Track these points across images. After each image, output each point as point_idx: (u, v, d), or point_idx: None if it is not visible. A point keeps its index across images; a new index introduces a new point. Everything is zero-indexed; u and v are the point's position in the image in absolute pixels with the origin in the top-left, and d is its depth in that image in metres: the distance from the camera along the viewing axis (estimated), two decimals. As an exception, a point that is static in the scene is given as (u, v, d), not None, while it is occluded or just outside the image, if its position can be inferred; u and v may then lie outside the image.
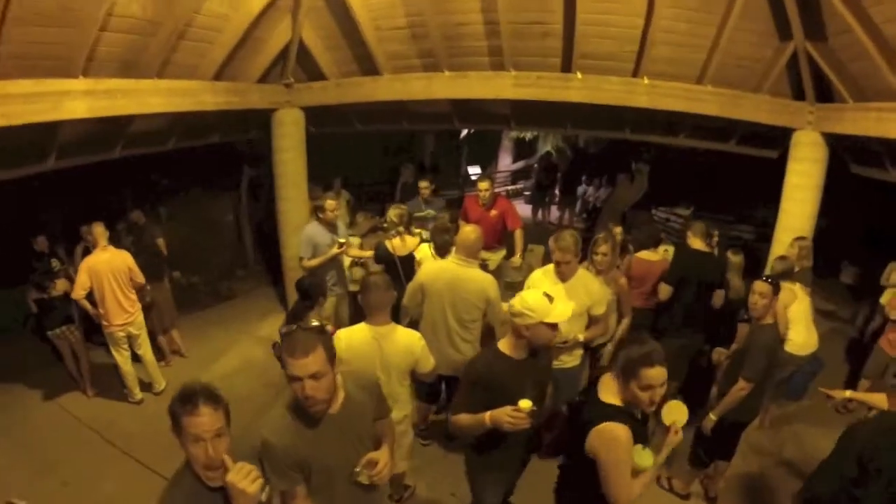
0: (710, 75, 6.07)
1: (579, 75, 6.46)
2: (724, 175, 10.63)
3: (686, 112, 6.31)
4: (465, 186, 16.61)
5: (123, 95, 5.56)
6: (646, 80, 6.29)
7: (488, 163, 18.65)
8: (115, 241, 6.74)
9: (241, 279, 10.66)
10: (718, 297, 5.88)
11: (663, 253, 6.44)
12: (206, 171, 10.41)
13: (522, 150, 18.73)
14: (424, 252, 5.90)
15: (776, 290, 4.38)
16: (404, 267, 5.92)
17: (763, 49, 5.84)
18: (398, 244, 6.05)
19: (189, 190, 10.68)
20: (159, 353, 7.07)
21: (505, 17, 6.08)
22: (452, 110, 8.00)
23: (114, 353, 6.20)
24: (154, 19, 5.35)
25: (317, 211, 6.29)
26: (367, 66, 7.29)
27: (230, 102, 7.02)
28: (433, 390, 5.35)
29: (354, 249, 6.90)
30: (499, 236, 7.66)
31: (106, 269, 5.94)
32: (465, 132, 17.07)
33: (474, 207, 7.47)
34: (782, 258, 5.63)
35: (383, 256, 6.02)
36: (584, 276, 4.64)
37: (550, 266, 4.69)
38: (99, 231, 6.09)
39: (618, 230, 6.54)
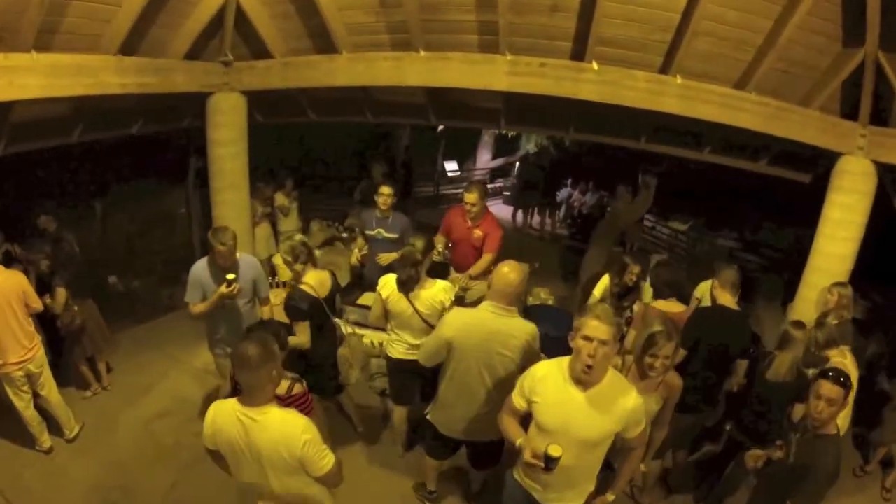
0: (756, 81, 4.82)
1: (595, 66, 4.95)
2: (724, 184, 9.30)
3: (718, 122, 5.02)
4: (440, 184, 15.04)
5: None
6: (679, 80, 4.90)
7: (465, 158, 17.13)
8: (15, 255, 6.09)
9: (184, 285, 8.84)
10: (741, 370, 4.70)
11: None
12: (155, 157, 8.85)
13: (503, 146, 17.10)
14: (390, 287, 4.47)
15: (848, 391, 3.19)
16: (329, 306, 4.71)
17: (821, 56, 4.78)
18: (315, 283, 4.60)
19: (134, 180, 9.19)
20: (79, 381, 5.99)
21: (502, -17, 4.54)
22: (428, 102, 6.38)
23: (11, 396, 4.92)
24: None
25: (211, 249, 4.49)
26: (323, 41, 5.67)
27: (145, 85, 5.37)
28: (446, 447, 4.25)
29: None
30: (477, 256, 5.99)
31: (-5, 296, 4.69)
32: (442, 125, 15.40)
33: (459, 223, 5.90)
34: (821, 324, 4.42)
35: (299, 309, 4.45)
36: (617, 384, 3.01)
37: (566, 359, 3.06)
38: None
39: (635, 270, 5.26)
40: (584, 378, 2.82)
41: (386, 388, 5.30)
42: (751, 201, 10.56)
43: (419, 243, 4.60)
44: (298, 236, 4.75)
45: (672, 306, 4.65)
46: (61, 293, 5.41)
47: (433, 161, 15.83)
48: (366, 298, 5.81)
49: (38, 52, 4.45)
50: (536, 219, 13.56)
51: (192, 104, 6.37)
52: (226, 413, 2.81)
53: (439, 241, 5.76)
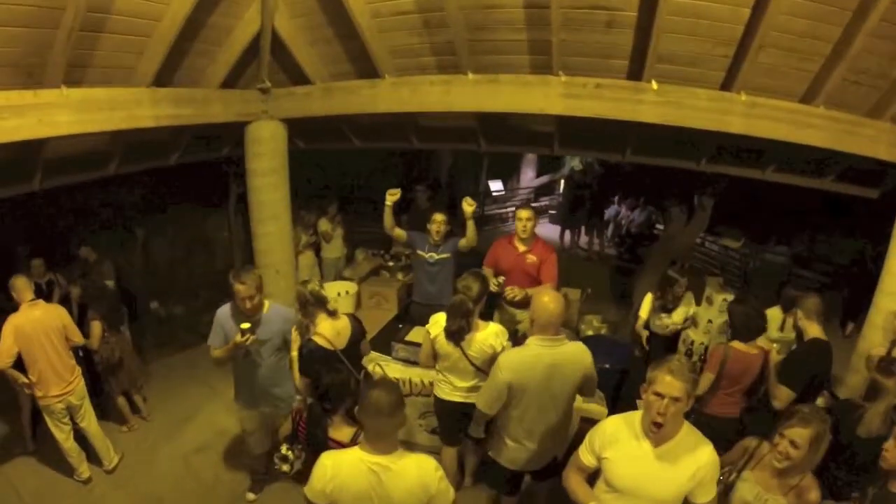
0: (825, 93, 4.23)
1: (655, 85, 4.45)
2: (773, 195, 8.60)
3: (784, 140, 4.46)
4: (485, 204, 14.55)
5: (14, 114, 3.93)
6: (743, 97, 4.37)
7: (509, 177, 16.59)
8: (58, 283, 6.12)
9: (228, 311, 8.62)
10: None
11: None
12: (197, 181, 8.67)
13: (546, 163, 16.50)
14: (440, 326, 4.10)
15: None
16: (350, 356, 4.23)
17: (892, 63, 4.09)
18: (330, 333, 4.15)
19: (176, 204, 9.12)
20: (120, 416, 5.83)
21: (555, -1, 4.09)
22: (478, 126, 5.94)
23: (51, 427, 4.88)
24: (54, 3, 3.62)
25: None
26: (364, 65, 5.26)
27: (180, 116, 5.11)
28: (518, 480, 4.07)
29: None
30: (536, 285, 5.44)
31: (37, 330, 4.67)
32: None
33: (508, 251, 5.38)
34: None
35: (315, 360, 3.98)
36: (690, 438, 2.73)
37: (636, 414, 2.80)
38: (20, 284, 4.78)
39: (683, 283, 5.37)
40: (653, 435, 2.66)
41: (435, 426, 4.91)
42: (803, 212, 9.83)
43: (475, 287, 4.06)
44: (312, 285, 4.22)
45: (749, 347, 4.15)
46: (97, 326, 5.30)
47: (476, 181, 15.37)
48: (415, 335, 5.36)
49: (68, 87, 4.20)
50: (584, 238, 12.97)
51: (231, 133, 6.12)
52: (352, 465, 2.66)
53: (488, 274, 5.19)
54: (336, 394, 3.61)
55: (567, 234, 12.82)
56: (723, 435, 4.00)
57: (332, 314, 4.22)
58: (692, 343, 5.91)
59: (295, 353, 4.18)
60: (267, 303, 4.14)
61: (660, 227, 12.17)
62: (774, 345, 4.49)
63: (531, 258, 5.26)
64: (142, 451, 5.49)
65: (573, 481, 2.95)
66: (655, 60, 4.31)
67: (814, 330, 4.16)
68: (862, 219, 8.31)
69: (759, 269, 10.21)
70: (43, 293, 6.16)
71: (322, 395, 3.67)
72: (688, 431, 2.72)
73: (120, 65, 4.54)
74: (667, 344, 5.76)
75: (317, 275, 7.93)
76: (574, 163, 14.58)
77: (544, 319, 3.45)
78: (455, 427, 4.44)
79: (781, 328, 5.39)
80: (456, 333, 3.98)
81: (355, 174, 11.84)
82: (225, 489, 5.03)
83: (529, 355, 3.51)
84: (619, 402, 5.02)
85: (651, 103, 4.49)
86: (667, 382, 2.55)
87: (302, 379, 4.00)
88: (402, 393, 2.77)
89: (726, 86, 4.42)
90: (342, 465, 2.66)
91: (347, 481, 2.63)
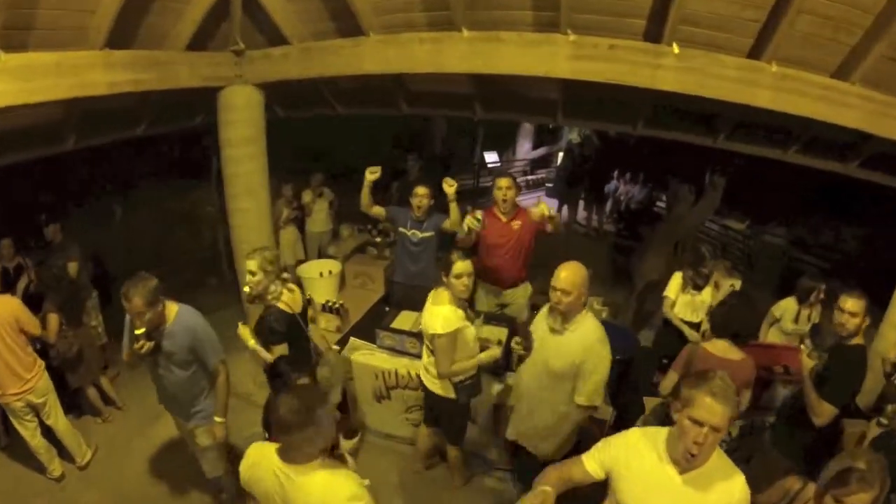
0: (861, 71, 3.70)
1: (676, 49, 3.85)
2: (779, 176, 8.12)
3: (814, 118, 3.89)
4: (479, 176, 13.86)
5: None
6: (774, 67, 3.79)
7: (505, 149, 15.91)
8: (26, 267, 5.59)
9: (211, 291, 8.09)
10: None
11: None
12: (177, 153, 8.06)
13: (544, 135, 15.82)
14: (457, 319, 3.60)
15: None
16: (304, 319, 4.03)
17: None
18: (289, 299, 3.81)
19: (156, 178, 8.70)
20: (93, 408, 5.36)
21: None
22: (474, 91, 5.32)
23: (16, 425, 4.48)
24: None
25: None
26: (347, 23, 4.64)
27: (139, 82, 4.46)
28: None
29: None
30: (524, 260, 5.02)
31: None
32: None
33: (492, 224, 4.84)
34: None
35: (277, 331, 3.67)
36: (721, 467, 2.29)
37: (662, 431, 2.39)
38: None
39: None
40: (684, 463, 2.21)
41: (421, 421, 4.50)
42: (811, 195, 9.25)
43: (461, 264, 3.50)
44: (268, 252, 3.74)
45: (730, 351, 3.53)
46: (52, 319, 4.71)
47: (472, 152, 14.71)
48: (402, 321, 4.88)
49: (6, 53, 3.59)
50: (581, 214, 12.38)
51: (204, 100, 5.44)
52: (264, 462, 2.43)
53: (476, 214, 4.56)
54: (303, 359, 3.53)
55: (565, 208, 12.20)
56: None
57: (285, 282, 3.85)
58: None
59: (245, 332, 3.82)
60: (174, 311, 3.46)
61: (660, 204, 11.70)
62: (804, 346, 3.91)
63: (517, 224, 4.81)
64: (116, 444, 5.06)
65: (551, 474, 2.46)
66: (678, 21, 3.74)
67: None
68: (872, 205, 7.91)
69: (759, 251, 9.75)
70: (9, 278, 5.63)
71: (291, 360, 3.53)
72: (718, 456, 2.27)
73: (69, 25, 3.92)
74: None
75: (299, 252, 7.37)
76: (572, 135, 13.92)
77: None
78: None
79: (796, 320, 4.96)
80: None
81: (346, 144, 11.20)
82: (196, 489, 4.56)
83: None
84: (621, 396, 4.51)
85: (671, 69, 3.91)
86: (707, 406, 2.07)
87: (272, 349, 3.67)
88: (319, 402, 2.35)
89: (754, 54, 3.86)
90: (261, 459, 2.47)
91: (258, 476, 2.45)
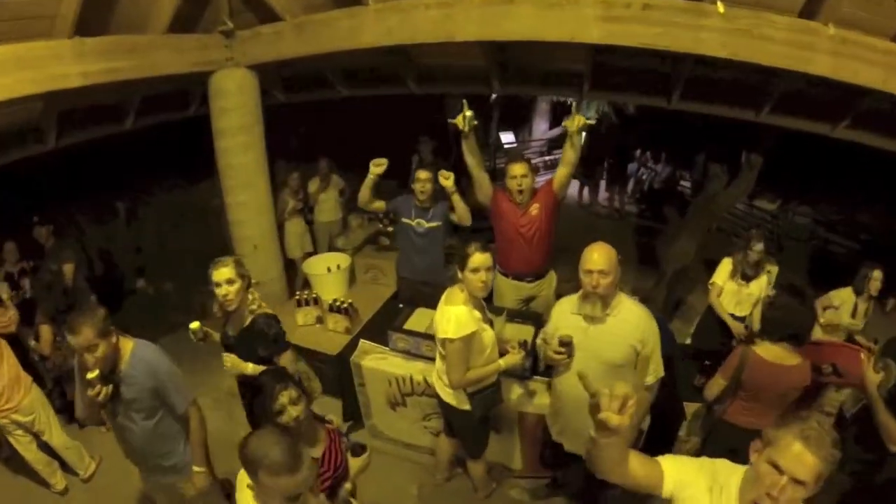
0: None
1: (721, 7, 3.29)
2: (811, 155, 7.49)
3: (869, 87, 3.34)
4: (496, 157, 13.29)
5: None
6: (831, 29, 3.23)
7: (521, 129, 15.27)
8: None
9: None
10: None
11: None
12: (182, 145, 7.66)
13: (560, 114, 15.12)
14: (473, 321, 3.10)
15: None
16: None
17: None
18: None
19: (161, 172, 8.24)
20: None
21: None
22: (490, 63, 4.75)
23: (9, 439, 4.21)
24: None
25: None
26: (344, -8, 4.10)
27: (117, 71, 4.01)
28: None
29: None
30: (547, 247, 4.42)
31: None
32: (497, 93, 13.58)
33: (506, 210, 4.31)
34: None
35: (283, 332, 3.27)
36: None
37: (737, 471, 1.95)
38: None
39: (757, 247, 4.31)
40: None
41: (440, 428, 4.05)
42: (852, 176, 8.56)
43: (479, 257, 2.97)
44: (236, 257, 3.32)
45: (785, 356, 3.02)
46: (45, 331, 4.49)
47: (486, 132, 14.13)
48: (417, 321, 4.42)
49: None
50: (603, 194, 11.78)
51: (198, 87, 4.98)
52: None
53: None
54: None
55: (586, 189, 11.60)
56: (743, 447, 3.18)
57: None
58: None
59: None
60: (129, 348, 2.88)
61: (684, 183, 11.12)
62: (863, 355, 3.26)
63: (535, 208, 4.20)
64: (121, 454, 4.59)
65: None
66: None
67: None
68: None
69: (787, 232, 9.13)
70: (14, 283, 5.31)
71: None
72: None
73: (32, 14, 3.46)
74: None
75: (307, 244, 6.91)
76: (590, 112, 13.26)
77: None
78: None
79: (853, 314, 4.45)
80: None
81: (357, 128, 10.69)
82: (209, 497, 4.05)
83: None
84: (657, 400, 3.99)
85: (715, 31, 3.35)
86: (794, 453, 1.66)
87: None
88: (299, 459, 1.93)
89: (808, 14, 3.29)
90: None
91: None
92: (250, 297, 3.19)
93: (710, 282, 4.62)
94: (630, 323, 2.88)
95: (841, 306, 4.46)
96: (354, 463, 2.83)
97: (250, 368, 3.15)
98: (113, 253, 7.17)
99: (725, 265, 4.55)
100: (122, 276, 7.03)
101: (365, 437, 4.48)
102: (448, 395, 3.37)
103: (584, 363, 2.92)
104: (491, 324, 3.28)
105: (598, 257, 2.80)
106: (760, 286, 4.49)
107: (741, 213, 10.07)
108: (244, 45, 4.66)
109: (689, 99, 4.54)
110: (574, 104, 3.82)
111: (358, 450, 2.88)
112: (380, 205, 4.65)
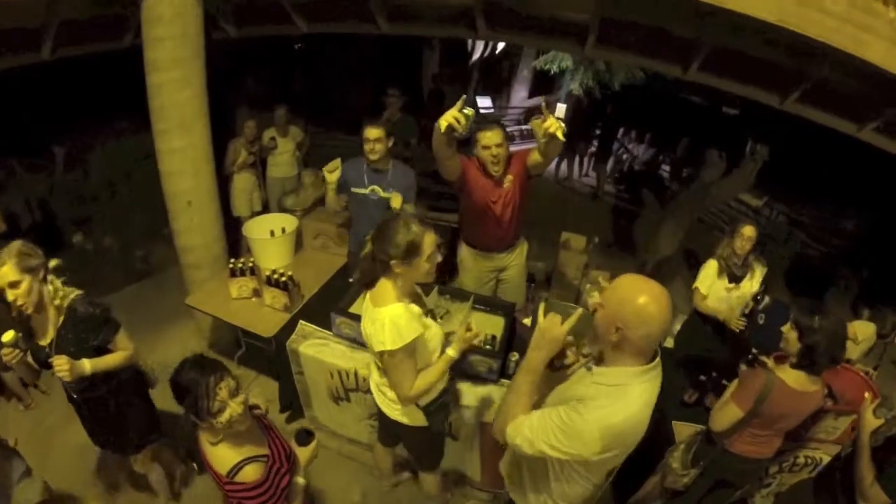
0: None
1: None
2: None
3: None
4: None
5: None
6: (892, 12, 2.72)
7: (498, 94, 14.56)
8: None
9: (165, 241, 6.84)
10: None
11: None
12: (132, 83, 6.73)
13: (541, 83, 14.38)
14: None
15: None
16: None
17: None
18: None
19: (109, 115, 7.31)
20: (12, 393, 4.50)
21: None
22: (475, 2, 3.99)
23: None
24: None
25: None
26: None
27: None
28: None
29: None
30: (519, 217, 3.87)
31: None
32: (478, 53, 12.69)
33: (481, 184, 3.68)
34: None
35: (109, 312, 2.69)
36: None
37: None
38: None
39: (748, 233, 3.67)
40: None
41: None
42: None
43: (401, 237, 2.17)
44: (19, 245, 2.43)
45: (807, 383, 2.58)
46: None
47: (464, 95, 13.35)
48: (360, 307, 3.73)
49: None
50: (581, 172, 11.20)
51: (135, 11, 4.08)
52: None
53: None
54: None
55: (563, 163, 10.92)
56: (750, 476, 3.04)
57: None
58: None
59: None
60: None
61: (665, 168, 10.68)
62: (868, 395, 2.77)
63: (508, 180, 3.65)
64: (37, 437, 4.21)
65: None
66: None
67: None
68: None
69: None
70: None
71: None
72: None
73: None
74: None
75: (256, 202, 6.12)
76: (573, 85, 12.51)
77: (640, 335, 1.69)
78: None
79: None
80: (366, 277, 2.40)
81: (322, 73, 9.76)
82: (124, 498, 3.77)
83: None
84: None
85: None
86: None
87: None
88: None
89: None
90: None
91: None
92: (50, 287, 2.46)
93: (693, 286, 3.99)
94: None
95: (862, 342, 3.90)
96: (303, 453, 2.32)
97: (89, 367, 2.49)
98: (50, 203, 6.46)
99: (710, 268, 3.89)
100: (59, 228, 6.34)
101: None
102: (397, 413, 2.69)
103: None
104: (432, 314, 2.55)
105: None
106: (752, 287, 3.89)
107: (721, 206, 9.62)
108: (184, -41, 3.79)
109: (709, 70, 3.83)
110: (544, 104, 3.08)
111: (304, 437, 2.34)
112: (342, 199, 4.04)
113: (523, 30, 4.34)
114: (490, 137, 3.47)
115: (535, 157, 3.45)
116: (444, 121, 2.90)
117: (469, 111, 2.94)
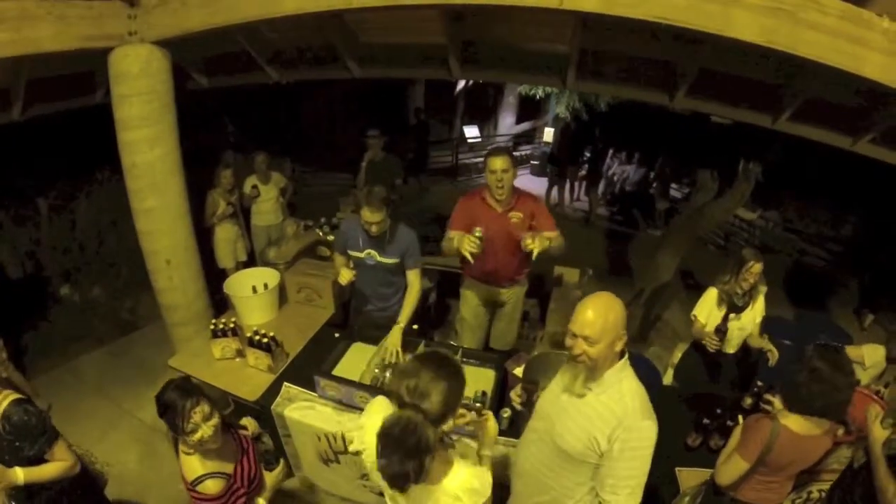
0: None
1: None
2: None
3: None
4: (459, 152, 12.43)
5: None
6: (885, 23, 2.53)
7: (486, 122, 14.44)
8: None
9: (153, 292, 6.62)
10: None
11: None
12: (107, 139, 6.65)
13: (528, 109, 14.31)
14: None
15: None
16: None
17: None
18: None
19: (94, 165, 7.07)
20: None
21: None
22: (449, 41, 3.85)
23: None
24: None
25: None
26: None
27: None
28: None
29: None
30: (524, 259, 3.75)
31: None
32: (462, 83, 12.65)
33: (484, 214, 3.67)
34: None
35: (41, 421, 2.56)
36: None
37: None
38: None
39: (755, 268, 3.47)
40: None
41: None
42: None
43: (435, 391, 1.73)
44: None
45: (813, 427, 2.40)
46: None
47: (450, 126, 13.23)
48: (351, 359, 3.63)
49: None
50: (568, 196, 11.05)
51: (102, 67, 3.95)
52: None
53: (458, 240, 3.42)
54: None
55: (555, 190, 10.77)
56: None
57: None
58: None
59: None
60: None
61: (655, 186, 10.53)
62: (873, 408, 2.64)
63: (516, 216, 3.64)
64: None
65: None
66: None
67: None
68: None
69: (761, 242, 8.60)
70: None
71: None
72: None
73: None
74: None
75: (241, 253, 5.92)
76: (559, 108, 12.43)
77: None
78: None
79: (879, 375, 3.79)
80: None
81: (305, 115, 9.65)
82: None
83: None
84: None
85: (749, 9, 2.54)
86: None
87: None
88: None
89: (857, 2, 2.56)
90: None
91: None
92: None
93: (692, 314, 3.79)
94: (608, 409, 2.02)
95: (870, 368, 3.69)
96: (269, 477, 2.54)
97: (22, 476, 2.32)
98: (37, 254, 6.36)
99: (709, 296, 3.69)
100: (47, 280, 6.23)
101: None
102: None
103: (537, 438, 2.30)
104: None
105: (589, 318, 1.97)
106: (755, 317, 3.68)
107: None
108: (148, 16, 3.65)
109: (697, 95, 3.68)
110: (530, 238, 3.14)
111: (271, 460, 2.53)
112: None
113: (501, 66, 4.19)
114: (497, 163, 3.53)
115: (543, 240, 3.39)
116: (465, 251, 3.28)
117: (478, 231, 3.32)
